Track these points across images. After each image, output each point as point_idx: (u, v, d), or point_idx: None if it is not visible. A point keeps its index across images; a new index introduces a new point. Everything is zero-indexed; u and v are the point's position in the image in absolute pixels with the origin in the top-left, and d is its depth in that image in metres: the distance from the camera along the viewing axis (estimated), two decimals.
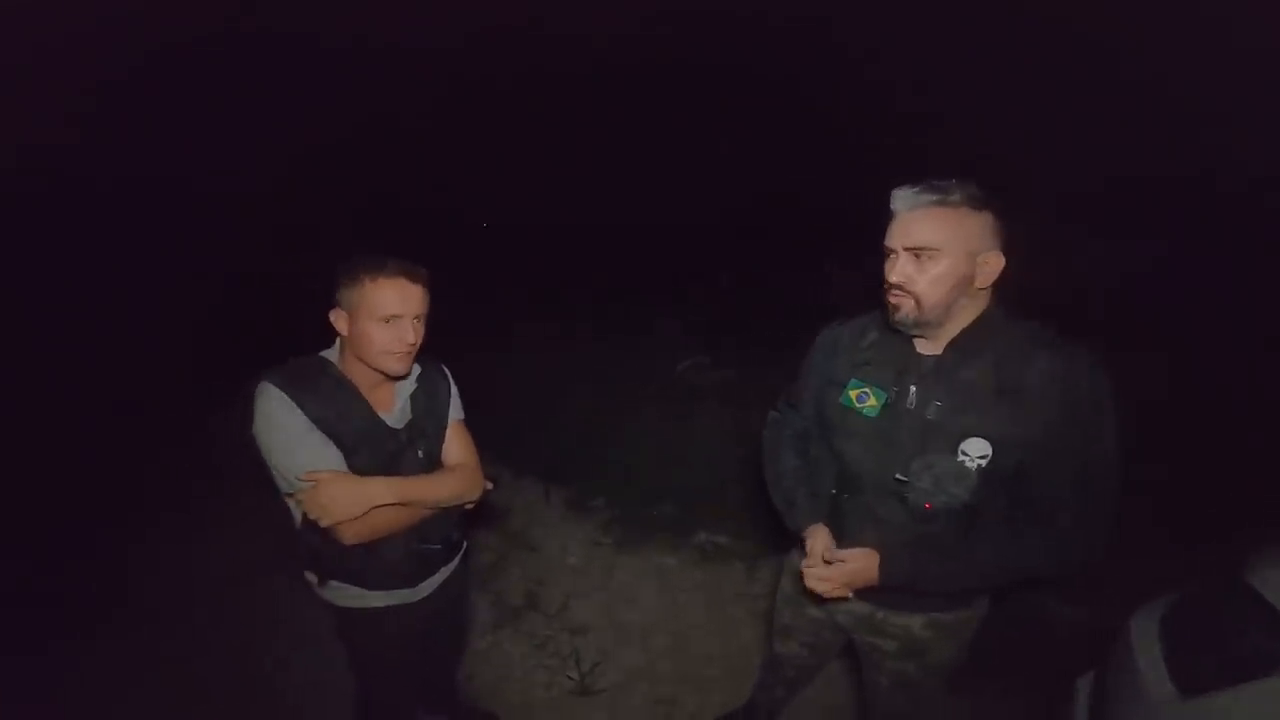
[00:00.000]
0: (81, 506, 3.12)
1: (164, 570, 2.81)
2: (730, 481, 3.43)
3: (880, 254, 1.25)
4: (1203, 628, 1.49)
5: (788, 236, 6.27)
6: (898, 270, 1.19)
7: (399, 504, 1.36)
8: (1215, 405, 3.55)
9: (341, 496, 1.28)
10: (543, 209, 7.28)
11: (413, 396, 1.46)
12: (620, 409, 4.10)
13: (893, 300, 1.22)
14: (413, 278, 1.33)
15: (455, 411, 1.57)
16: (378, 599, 1.48)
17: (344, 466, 1.32)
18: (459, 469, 1.51)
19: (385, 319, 1.30)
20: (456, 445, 1.54)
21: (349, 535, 1.31)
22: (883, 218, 1.24)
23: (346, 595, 1.47)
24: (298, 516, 1.38)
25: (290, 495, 1.34)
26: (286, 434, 1.28)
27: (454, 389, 1.58)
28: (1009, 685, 2.17)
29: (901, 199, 1.19)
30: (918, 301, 1.19)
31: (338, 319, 1.34)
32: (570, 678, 2.35)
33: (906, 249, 1.18)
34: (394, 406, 1.43)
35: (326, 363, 1.38)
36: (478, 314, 5.68)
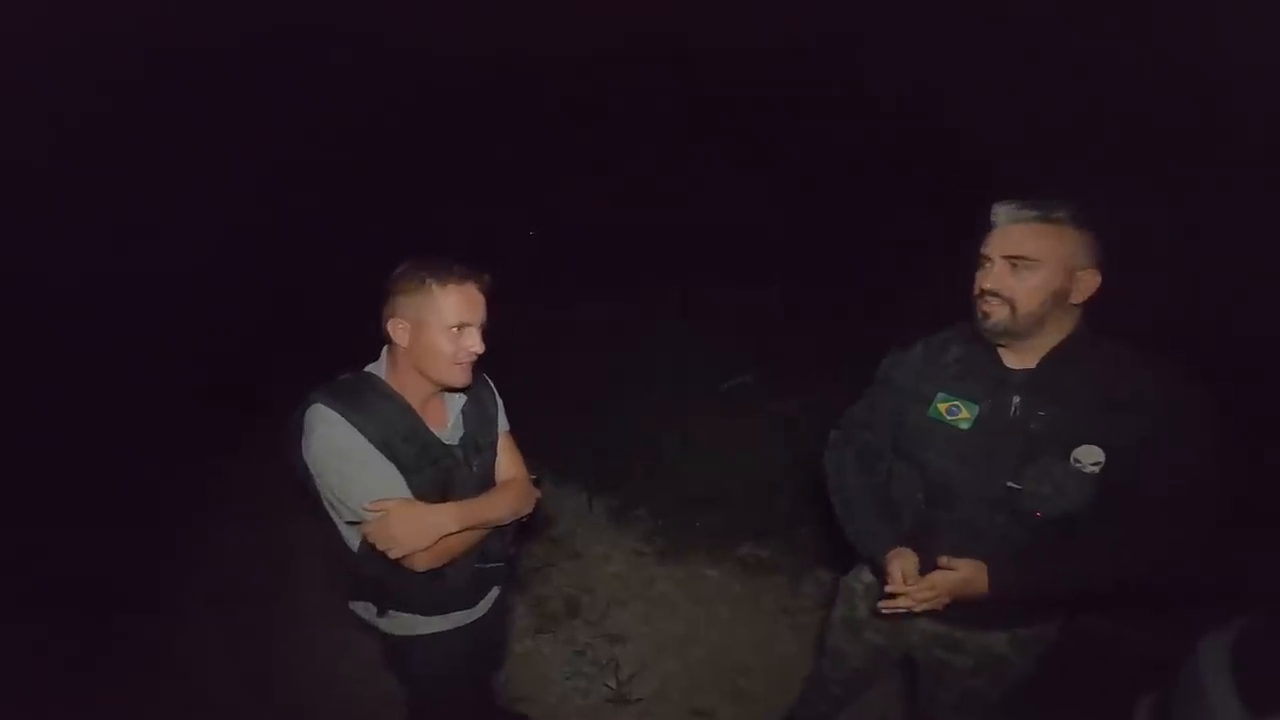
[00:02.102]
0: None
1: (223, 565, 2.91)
2: (775, 494, 3.37)
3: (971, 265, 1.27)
4: (1275, 649, 1.42)
5: (840, 252, 6.15)
6: (993, 277, 1.21)
7: (467, 528, 1.31)
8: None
9: (411, 526, 1.22)
10: (589, 212, 7.33)
11: (464, 411, 1.40)
12: (665, 418, 4.09)
13: (986, 307, 1.23)
14: (479, 284, 1.29)
15: (503, 423, 1.52)
16: (437, 624, 1.45)
17: (408, 491, 1.26)
18: (514, 483, 1.47)
19: (455, 327, 1.25)
20: (508, 459, 1.50)
21: (421, 564, 1.26)
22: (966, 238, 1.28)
23: (406, 623, 1.42)
24: (354, 544, 1.31)
25: (351, 524, 1.28)
26: (348, 460, 1.21)
27: (499, 400, 1.53)
28: (1067, 707, 2.04)
29: (1004, 212, 1.22)
30: (1013, 309, 1.20)
31: (397, 330, 1.26)
32: (608, 686, 2.35)
33: (1005, 257, 1.20)
34: (447, 422, 1.38)
35: (376, 379, 1.30)
36: (521, 320, 5.77)
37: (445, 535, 1.26)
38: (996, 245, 1.21)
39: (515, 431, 1.57)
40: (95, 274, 4.64)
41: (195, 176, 5.45)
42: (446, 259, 1.27)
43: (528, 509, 1.46)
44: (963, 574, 1.25)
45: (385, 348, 1.32)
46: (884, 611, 1.31)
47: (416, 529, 1.23)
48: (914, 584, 1.27)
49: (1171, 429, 1.14)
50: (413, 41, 6.43)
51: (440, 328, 1.24)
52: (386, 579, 1.32)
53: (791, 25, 6.06)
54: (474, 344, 1.28)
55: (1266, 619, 1.52)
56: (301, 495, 1.32)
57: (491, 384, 1.53)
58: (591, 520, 3.36)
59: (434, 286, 1.23)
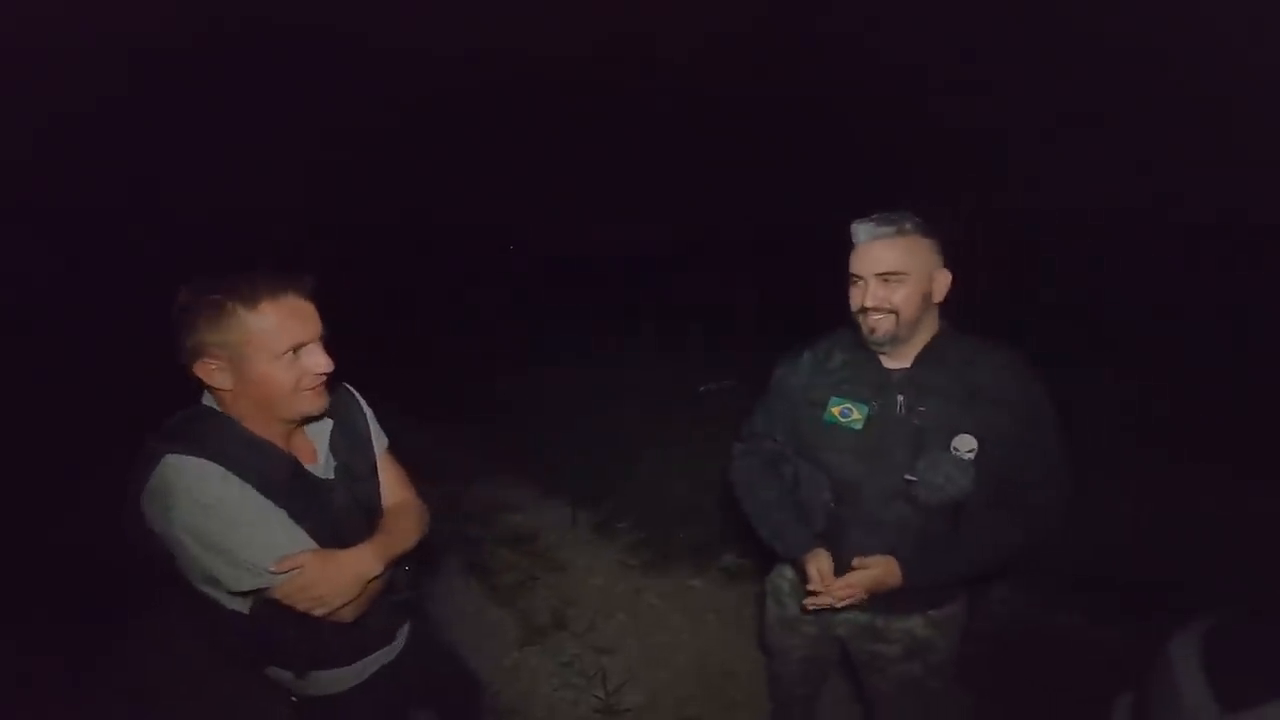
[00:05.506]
0: None
1: None
2: None
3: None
4: (1247, 644, 1.46)
5: (814, 258, 6.25)
6: (871, 294, 1.31)
7: (388, 566, 1.18)
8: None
9: (334, 579, 1.07)
10: (570, 225, 7.36)
11: (333, 438, 1.21)
12: (646, 431, 4.12)
13: (871, 323, 1.33)
14: (301, 291, 1.06)
15: (379, 439, 1.32)
16: (361, 669, 1.28)
17: (310, 540, 1.08)
18: (408, 506, 1.31)
19: (290, 352, 1.04)
20: (392, 479, 1.31)
21: (350, 615, 1.13)
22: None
23: (331, 680, 1.25)
24: (246, 609, 1.10)
25: (244, 593, 1.06)
26: (237, 515, 1.00)
27: (369, 412, 1.31)
28: (1043, 711, 2.10)
29: (864, 231, 1.33)
30: (896, 318, 1.31)
31: (210, 372, 1.02)
32: (596, 697, 2.35)
33: (877, 275, 1.31)
34: (318, 455, 1.19)
35: (225, 416, 1.07)
36: (504, 333, 5.76)
37: (371, 580, 1.13)
38: (865, 264, 1.32)
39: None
40: (94, 273, 4.57)
41: (193, 176, 5.37)
42: (245, 270, 1.05)
43: (426, 529, 1.32)
44: (876, 571, 1.33)
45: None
46: (810, 608, 1.40)
47: (341, 581, 1.08)
48: (831, 582, 1.35)
49: (1029, 416, 1.30)
50: (398, 41, 6.40)
51: (268, 358, 1.02)
52: (303, 640, 1.15)
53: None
54: (319, 363, 1.07)
55: (1235, 615, 1.57)
56: (155, 579, 1.10)
57: (358, 396, 1.31)
58: (575, 533, 3.36)
59: (241, 311, 1.00)
